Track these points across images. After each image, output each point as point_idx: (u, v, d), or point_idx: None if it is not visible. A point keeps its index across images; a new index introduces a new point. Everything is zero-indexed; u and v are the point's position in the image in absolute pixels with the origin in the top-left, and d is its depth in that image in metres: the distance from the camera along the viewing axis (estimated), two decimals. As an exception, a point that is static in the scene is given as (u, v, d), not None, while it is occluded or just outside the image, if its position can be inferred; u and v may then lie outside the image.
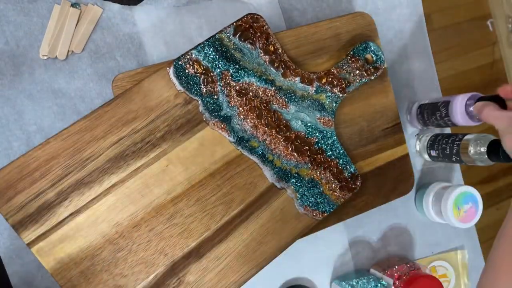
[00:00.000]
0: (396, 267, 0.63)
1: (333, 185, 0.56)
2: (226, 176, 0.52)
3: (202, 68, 0.51)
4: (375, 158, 0.61)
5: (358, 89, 0.59)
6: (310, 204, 0.55)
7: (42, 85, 0.57)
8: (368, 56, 0.58)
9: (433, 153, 0.66)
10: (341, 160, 0.56)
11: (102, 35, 0.58)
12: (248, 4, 0.63)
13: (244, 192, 0.53)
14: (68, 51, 0.57)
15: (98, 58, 0.58)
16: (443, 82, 0.72)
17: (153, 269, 0.50)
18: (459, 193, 0.63)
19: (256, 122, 0.53)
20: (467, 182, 0.71)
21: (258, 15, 0.52)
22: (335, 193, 0.56)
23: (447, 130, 0.71)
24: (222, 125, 0.52)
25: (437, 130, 0.71)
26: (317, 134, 0.56)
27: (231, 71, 0.52)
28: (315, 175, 0.55)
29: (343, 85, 0.57)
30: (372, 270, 0.66)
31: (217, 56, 0.52)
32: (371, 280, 0.62)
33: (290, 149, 0.54)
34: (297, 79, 0.55)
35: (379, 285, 0.61)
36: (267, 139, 0.54)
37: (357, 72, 0.57)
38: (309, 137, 0.55)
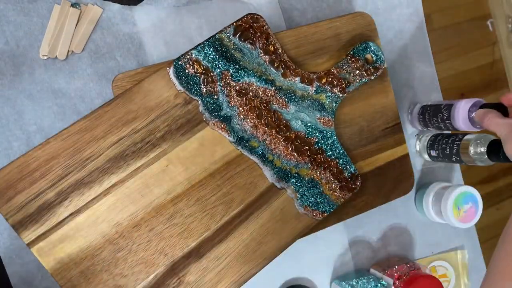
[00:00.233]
0: (396, 267, 0.63)
1: (333, 185, 0.56)
2: (226, 176, 0.52)
3: (202, 68, 0.51)
4: (375, 158, 0.61)
5: (358, 89, 0.59)
6: (310, 204, 0.55)
7: (42, 85, 0.57)
8: (368, 56, 0.58)
9: (433, 153, 0.66)
10: (341, 160, 0.56)
11: (102, 35, 0.58)
12: (248, 4, 0.63)
13: (244, 192, 0.53)
14: (68, 51, 0.57)
15: (98, 58, 0.58)
16: (443, 82, 0.72)
17: (153, 269, 0.50)
18: (459, 193, 0.63)
19: (256, 122, 0.53)
20: (467, 182, 0.71)
21: (258, 15, 0.52)
22: (335, 193, 0.56)
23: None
24: (222, 125, 0.52)
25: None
26: (317, 134, 0.56)
27: (231, 71, 0.52)
28: (315, 175, 0.55)
29: (343, 85, 0.57)
30: (372, 270, 0.66)
31: (217, 56, 0.52)
32: (371, 280, 0.62)
33: (290, 149, 0.54)
34: (297, 79, 0.55)
35: (379, 285, 0.61)
36: (267, 139, 0.54)
37: (357, 72, 0.57)
38: (309, 137, 0.55)
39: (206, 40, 0.51)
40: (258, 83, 0.53)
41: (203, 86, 0.51)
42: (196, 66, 0.51)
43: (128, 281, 0.50)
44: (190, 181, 0.51)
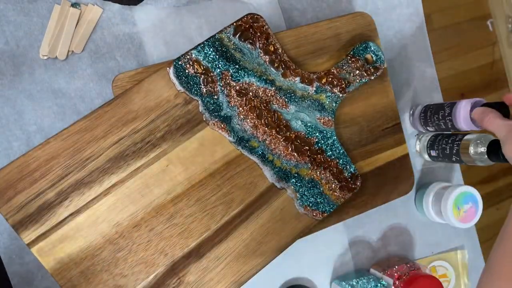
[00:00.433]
0: (396, 267, 0.63)
1: (333, 185, 0.56)
2: (226, 176, 0.52)
3: (202, 68, 0.51)
4: (375, 158, 0.61)
5: (358, 89, 0.59)
6: (310, 204, 0.55)
7: (42, 85, 0.57)
8: (368, 56, 0.58)
9: (433, 153, 0.66)
10: (341, 160, 0.56)
11: (102, 35, 0.58)
12: (248, 4, 0.63)
13: (244, 192, 0.53)
14: (68, 51, 0.57)
15: (98, 58, 0.58)
16: (443, 82, 0.72)
17: (153, 269, 0.50)
18: (459, 193, 0.63)
19: (256, 122, 0.53)
20: (467, 182, 0.71)
21: (258, 15, 0.52)
22: (335, 193, 0.56)
23: (447, 130, 0.71)
24: (222, 125, 0.52)
25: (437, 130, 0.71)
26: (317, 134, 0.56)
27: (231, 71, 0.52)
28: (315, 175, 0.55)
29: (343, 85, 0.57)
30: (372, 270, 0.66)
31: (217, 56, 0.52)
32: (371, 280, 0.62)
33: (290, 149, 0.54)
34: (297, 79, 0.55)
35: (379, 285, 0.61)
36: (267, 139, 0.54)
37: (357, 72, 0.57)
38: (309, 137, 0.55)
39: (206, 40, 0.51)
40: (258, 83, 0.53)
41: (203, 86, 0.51)
42: (196, 66, 0.51)
43: (128, 281, 0.50)
44: (190, 181, 0.51)
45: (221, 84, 0.52)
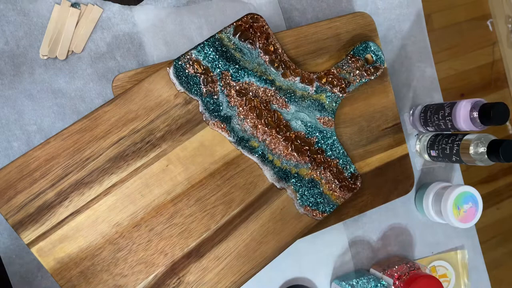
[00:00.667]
0: (396, 267, 0.63)
1: (333, 185, 0.56)
2: (226, 176, 0.52)
3: (202, 68, 0.51)
4: (375, 158, 0.61)
5: (358, 89, 0.59)
6: (310, 204, 0.55)
7: (42, 85, 0.57)
8: (368, 56, 0.58)
9: (433, 153, 0.66)
10: (341, 160, 0.56)
11: (102, 35, 0.58)
12: (248, 4, 0.63)
13: (244, 192, 0.53)
14: (68, 51, 0.57)
15: (98, 58, 0.58)
16: (443, 82, 0.72)
17: (153, 269, 0.50)
18: (459, 193, 0.63)
19: (256, 122, 0.53)
20: (467, 182, 0.71)
21: (258, 15, 0.52)
22: (335, 193, 0.56)
23: (447, 130, 0.71)
24: (222, 125, 0.52)
25: (437, 130, 0.71)
26: (317, 134, 0.56)
27: (231, 71, 0.52)
28: (315, 175, 0.55)
29: (343, 85, 0.57)
30: (372, 270, 0.66)
31: (217, 56, 0.52)
32: (371, 280, 0.62)
33: (290, 149, 0.54)
34: (297, 79, 0.55)
35: (379, 285, 0.61)
36: (267, 139, 0.54)
37: (357, 72, 0.57)
38: (309, 137, 0.55)
39: (206, 40, 0.51)
40: (258, 83, 0.53)
41: (203, 86, 0.51)
42: (196, 66, 0.51)
43: (128, 281, 0.50)
44: (190, 181, 0.51)
45: (221, 84, 0.52)
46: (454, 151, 0.62)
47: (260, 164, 0.53)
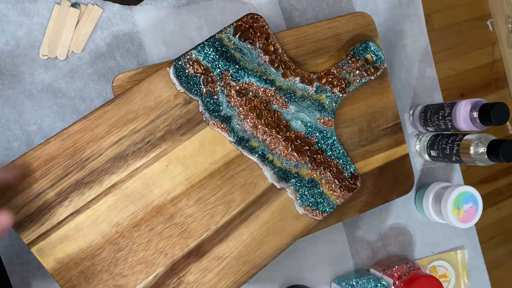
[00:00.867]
0: (396, 267, 0.63)
1: (333, 185, 0.56)
2: (226, 176, 0.52)
3: (202, 68, 0.51)
4: (375, 158, 0.61)
5: (358, 89, 0.60)
6: (310, 204, 0.55)
7: (42, 85, 0.57)
8: (368, 56, 0.58)
9: (433, 153, 0.66)
10: (341, 160, 0.56)
11: (102, 35, 0.58)
12: (248, 4, 0.63)
13: (244, 192, 0.53)
14: (68, 51, 0.57)
15: (98, 58, 0.58)
16: (443, 82, 0.72)
17: (153, 269, 0.50)
18: (459, 193, 0.63)
19: (256, 122, 0.53)
20: (467, 182, 0.71)
21: (258, 15, 0.52)
22: (335, 193, 0.56)
23: (447, 130, 0.71)
24: (222, 125, 0.52)
25: (437, 130, 0.71)
26: (317, 134, 0.56)
27: (231, 71, 0.52)
28: (315, 175, 0.55)
29: (343, 85, 0.57)
30: (372, 270, 0.66)
31: (217, 56, 0.52)
32: (371, 280, 0.62)
33: (290, 149, 0.54)
34: (297, 79, 0.55)
35: (379, 285, 0.61)
36: (267, 139, 0.54)
37: (357, 72, 0.57)
38: (309, 137, 0.55)
39: (206, 40, 0.51)
40: (258, 83, 0.53)
41: (203, 86, 0.51)
42: (196, 66, 0.51)
43: (128, 281, 0.50)
44: (190, 181, 0.51)
45: (221, 84, 0.52)
46: (454, 151, 0.62)
47: (260, 164, 0.53)
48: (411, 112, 0.70)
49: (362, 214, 0.62)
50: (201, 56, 0.51)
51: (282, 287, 0.65)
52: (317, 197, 0.55)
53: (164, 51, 0.60)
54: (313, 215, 0.55)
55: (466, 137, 0.60)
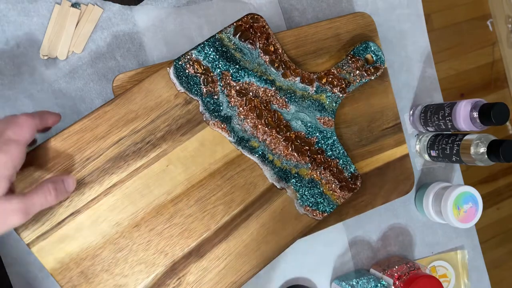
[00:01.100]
0: (396, 267, 0.63)
1: (333, 185, 0.56)
2: (226, 176, 0.52)
3: (202, 68, 0.51)
4: (375, 158, 0.61)
5: (358, 89, 0.60)
6: (310, 204, 0.55)
7: (42, 85, 0.57)
8: (368, 56, 0.58)
9: (433, 153, 0.66)
10: (341, 160, 0.56)
11: (102, 35, 0.58)
12: (248, 4, 0.63)
13: (244, 192, 0.53)
14: (68, 51, 0.57)
15: (98, 58, 0.58)
16: (443, 82, 0.72)
17: (153, 269, 0.50)
18: (459, 193, 0.63)
19: (256, 122, 0.53)
20: (467, 182, 0.71)
21: (258, 15, 0.53)
22: (335, 193, 0.56)
23: (447, 130, 0.71)
24: (222, 125, 0.52)
25: (437, 130, 0.71)
26: (317, 134, 0.56)
27: (231, 71, 0.52)
28: (315, 175, 0.55)
29: (343, 85, 0.57)
30: (372, 270, 0.66)
31: (217, 56, 0.52)
32: (371, 280, 0.62)
33: (290, 149, 0.54)
34: (297, 79, 0.55)
35: (379, 285, 0.61)
36: (267, 139, 0.54)
37: (357, 72, 0.57)
38: (309, 137, 0.55)
39: (207, 40, 0.51)
40: (258, 83, 0.53)
41: (203, 86, 0.51)
42: (196, 66, 0.51)
43: (128, 281, 0.50)
44: (190, 181, 0.51)
45: (221, 84, 0.52)
46: (454, 151, 0.62)
47: (260, 164, 0.53)
48: (411, 112, 0.70)
49: (362, 214, 0.62)
50: (201, 56, 0.51)
51: (282, 287, 0.65)
52: (317, 197, 0.55)
53: (164, 51, 0.60)
54: (313, 215, 0.55)
55: (466, 137, 0.60)
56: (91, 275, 0.49)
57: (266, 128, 0.54)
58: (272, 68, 0.54)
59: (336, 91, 0.56)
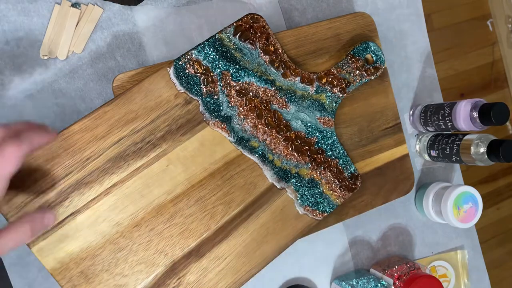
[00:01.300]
0: (396, 267, 0.63)
1: (333, 185, 0.56)
2: (226, 176, 0.52)
3: (202, 68, 0.51)
4: (375, 158, 0.61)
5: (358, 89, 0.60)
6: (310, 204, 0.55)
7: (42, 85, 0.57)
8: (368, 56, 0.58)
9: (433, 153, 0.66)
10: (341, 160, 0.56)
11: (102, 35, 0.58)
12: (248, 4, 0.63)
13: (244, 192, 0.53)
14: (68, 51, 0.57)
15: (98, 58, 0.58)
16: (443, 82, 0.72)
17: (154, 269, 0.50)
18: (459, 193, 0.63)
19: (256, 122, 0.53)
20: (467, 182, 0.71)
21: (258, 15, 0.53)
22: (335, 193, 0.56)
23: (447, 130, 0.71)
24: (222, 125, 0.52)
25: (437, 130, 0.71)
26: (317, 134, 0.56)
27: (231, 71, 0.52)
28: (315, 175, 0.55)
29: (343, 85, 0.57)
30: (372, 270, 0.66)
31: (217, 56, 0.52)
32: (371, 280, 0.62)
33: (290, 149, 0.54)
34: (297, 79, 0.55)
35: (379, 285, 0.61)
36: (267, 139, 0.54)
37: (357, 72, 0.57)
38: (309, 137, 0.55)
39: (207, 40, 0.51)
40: (258, 83, 0.53)
41: (203, 86, 0.51)
42: (196, 66, 0.51)
43: (128, 281, 0.50)
44: (190, 181, 0.51)
45: (221, 84, 0.52)
46: (454, 151, 0.62)
47: (260, 164, 0.53)
48: (411, 112, 0.70)
49: (362, 214, 0.62)
50: (201, 56, 0.51)
51: (282, 287, 0.65)
52: (317, 197, 0.55)
53: (164, 51, 0.60)
54: (313, 215, 0.55)
55: (466, 137, 0.60)
56: (91, 275, 0.49)
57: (266, 128, 0.54)
58: (272, 68, 0.54)
59: (336, 91, 0.56)
